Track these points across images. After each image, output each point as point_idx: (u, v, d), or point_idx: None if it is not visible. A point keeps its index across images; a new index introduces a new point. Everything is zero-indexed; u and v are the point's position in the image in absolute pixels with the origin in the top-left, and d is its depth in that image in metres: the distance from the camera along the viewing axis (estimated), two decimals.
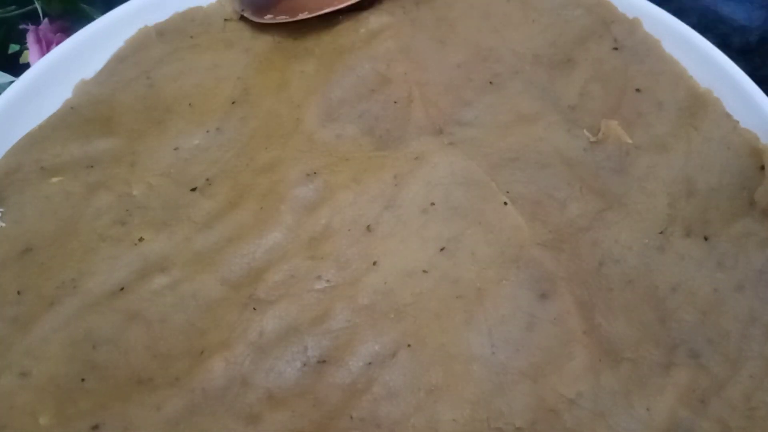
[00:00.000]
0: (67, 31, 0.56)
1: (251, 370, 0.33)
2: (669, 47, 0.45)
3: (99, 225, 0.38)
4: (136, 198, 0.39)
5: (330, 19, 0.47)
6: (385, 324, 0.34)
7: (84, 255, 0.37)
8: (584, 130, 0.41)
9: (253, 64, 0.45)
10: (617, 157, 0.40)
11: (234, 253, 0.36)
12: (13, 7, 0.58)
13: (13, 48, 0.59)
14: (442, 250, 0.36)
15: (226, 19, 0.48)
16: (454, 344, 0.34)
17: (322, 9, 0.46)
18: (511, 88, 0.43)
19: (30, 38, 0.55)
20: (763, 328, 0.35)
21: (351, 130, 0.41)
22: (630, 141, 0.41)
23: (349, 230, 0.37)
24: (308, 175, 0.39)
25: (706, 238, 0.37)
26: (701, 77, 0.44)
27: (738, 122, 0.41)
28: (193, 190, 0.39)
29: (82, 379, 0.33)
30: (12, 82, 0.46)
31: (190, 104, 0.43)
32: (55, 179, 0.40)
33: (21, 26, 0.56)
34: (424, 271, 0.36)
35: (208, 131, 0.41)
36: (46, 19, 0.56)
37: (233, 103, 0.43)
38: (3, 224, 0.38)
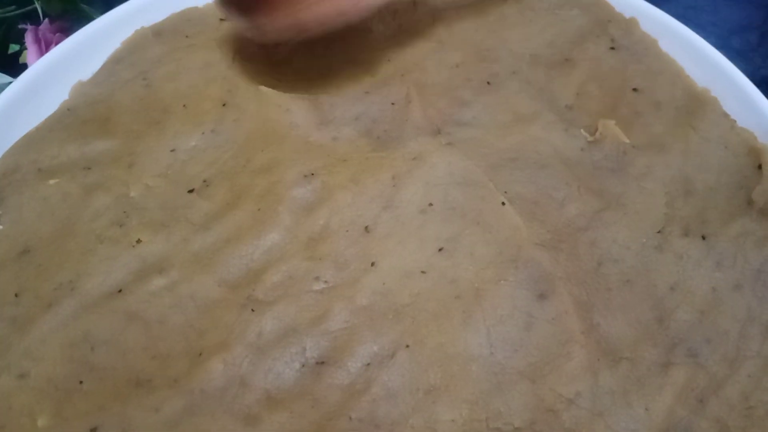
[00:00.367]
0: (67, 31, 0.56)
1: (250, 371, 0.33)
2: (666, 46, 0.45)
3: (97, 226, 0.38)
4: (133, 199, 0.39)
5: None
6: (383, 325, 0.34)
7: (82, 256, 0.37)
8: (582, 130, 0.41)
9: (236, 65, 0.45)
10: (615, 156, 0.40)
11: (232, 254, 0.36)
12: (13, 7, 0.58)
13: (13, 48, 0.59)
14: (440, 250, 0.36)
15: (221, 19, 0.47)
16: (452, 344, 0.33)
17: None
18: (508, 88, 0.43)
19: (28, 38, 0.55)
20: (761, 328, 0.35)
21: (347, 132, 0.41)
22: (627, 141, 0.41)
23: (348, 231, 0.37)
24: (306, 176, 0.39)
25: (704, 238, 0.37)
26: (698, 76, 0.44)
27: (735, 121, 0.41)
28: (191, 191, 0.39)
29: (81, 381, 0.33)
30: (10, 83, 0.46)
31: (184, 105, 0.43)
32: (52, 181, 0.40)
33: (20, 26, 0.56)
34: (423, 272, 0.36)
35: (203, 132, 0.41)
36: (46, 20, 0.56)
37: (224, 105, 0.43)
38: (1, 226, 0.38)
